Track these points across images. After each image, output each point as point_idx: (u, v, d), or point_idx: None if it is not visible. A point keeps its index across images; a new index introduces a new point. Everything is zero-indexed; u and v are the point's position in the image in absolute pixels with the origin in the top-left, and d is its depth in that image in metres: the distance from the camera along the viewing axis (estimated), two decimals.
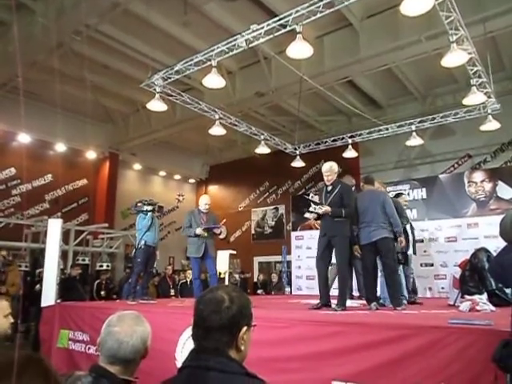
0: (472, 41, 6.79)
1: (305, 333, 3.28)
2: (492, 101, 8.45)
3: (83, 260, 11.94)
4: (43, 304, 5.73)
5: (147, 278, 6.64)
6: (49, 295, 5.72)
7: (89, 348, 4.76)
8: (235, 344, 1.34)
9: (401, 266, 5.48)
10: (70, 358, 4.99)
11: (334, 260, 5.07)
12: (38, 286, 8.25)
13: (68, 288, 7.83)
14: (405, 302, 5.24)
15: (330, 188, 4.95)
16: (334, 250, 4.87)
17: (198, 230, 5.88)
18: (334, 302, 4.91)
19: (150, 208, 6.19)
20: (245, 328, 1.37)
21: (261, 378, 1.30)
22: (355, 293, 6.83)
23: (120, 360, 1.69)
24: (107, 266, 12.05)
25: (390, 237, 4.91)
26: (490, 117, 8.75)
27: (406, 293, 5.54)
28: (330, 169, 4.99)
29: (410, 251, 5.99)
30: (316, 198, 4.97)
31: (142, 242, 6.10)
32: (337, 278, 5.06)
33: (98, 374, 1.66)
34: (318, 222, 5.23)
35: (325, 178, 5.02)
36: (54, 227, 6.10)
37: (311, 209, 4.77)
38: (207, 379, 1.25)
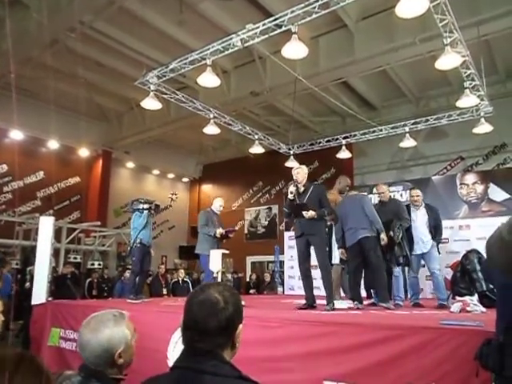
0: (466, 44, 6.84)
1: (297, 333, 3.29)
2: (485, 104, 8.52)
3: (75, 258, 11.88)
4: (34, 302, 5.68)
5: (143, 277, 6.62)
6: (40, 293, 5.68)
7: None
8: (231, 343, 1.33)
9: (397, 268, 5.61)
10: (61, 356, 4.96)
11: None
12: (27, 283, 8.19)
13: (59, 286, 7.79)
14: (400, 303, 5.47)
15: (302, 189, 4.95)
16: (312, 249, 4.89)
17: (219, 231, 5.91)
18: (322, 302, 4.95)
19: (146, 206, 6.21)
20: (240, 326, 1.36)
21: (254, 381, 1.29)
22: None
23: (87, 361, 1.66)
24: (99, 264, 11.99)
25: (372, 236, 5.09)
26: (482, 119, 8.82)
27: (401, 294, 5.68)
28: (300, 168, 5.07)
29: (439, 249, 5.84)
30: (293, 189, 4.94)
31: (138, 241, 6.08)
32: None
33: (87, 373, 1.64)
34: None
35: (294, 177, 5.00)
36: (46, 225, 6.05)
37: (304, 213, 4.74)
38: (199, 382, 1.23)
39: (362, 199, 5.41)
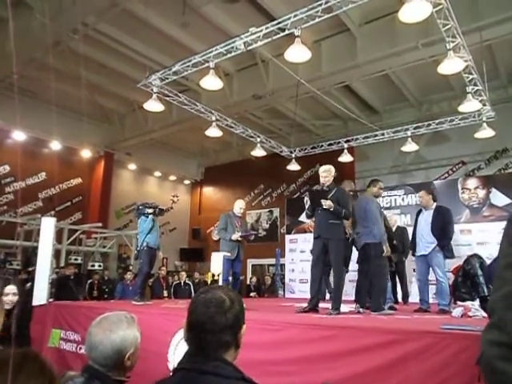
0: (468, 49, 6.85)
1: (297, 336, 3.28)
2: (487, 108, 8.52)
3: (75, 259, 11.88)
4: (35, 303, 5.68)
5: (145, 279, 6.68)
6: (41, 294, 5.68)
7: (80, 348, 4.73)
8: (236, 342, 1.35)
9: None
10: (62, 357, 4.96)
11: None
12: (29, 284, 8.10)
13: (61, 287, 7.78)
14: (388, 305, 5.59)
15: (326, 190, 4.96)
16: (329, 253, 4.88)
17: (235, 236, 5.95)
18: (324, 305, 4.94)
19: (150, 211, 6.33)
20: (244, 326, 1.38)
21: (256, 383, 1.29)
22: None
23: (94, 362, 1.66)
24: (99, 265, 12.00)
25: (372, 242, 5.01)
26: (484, 124, 8.82)
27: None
28: (328, 169, 5.04)
29: (447, 254, 5.59)
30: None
31: (145, 244, 6.20)
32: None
33: (90, 374, 1.64)
34: (312, 224, 5.26)
35: (321, 180, 5.02)
36: (47, 226, 6.05)
37: (323, 201, 4.73)
38: (202, 383, 1.24)
39: (366, 202, 5.27)
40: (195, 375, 1.25)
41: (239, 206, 6.24)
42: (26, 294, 7.12)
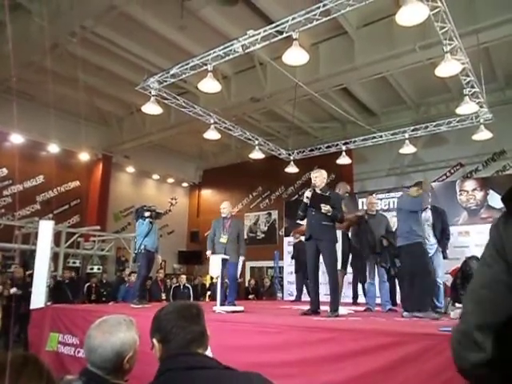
0: (465, 51, 6.87)
1: (296, 338, 3.28)
2: (484, 111, 8.54)
3: (74, 263, 11.84)
4: (32, 306, 5.67)
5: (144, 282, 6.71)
6: (38, 298, 5.66)
7: (78, 351, 4.72)
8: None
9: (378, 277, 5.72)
10: (59, 361, 4.94)
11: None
12: (13, 288, 7.56)
13: (55, 290, 7.74)
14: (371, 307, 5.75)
15: (327, 196, 4.95)
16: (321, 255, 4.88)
17: (208, 253, 5.99)
18: (323, 308, 4.93)
19: (147, 214, 6.34)
20: None
21: (238, 370, 1.37)
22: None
23: (93, 365, 1.66)
24: (98, 268, 11.97)
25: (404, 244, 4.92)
26: (482, 126, 8.83)
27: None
28: (318, 171, 5.07)
29: (446, 254, 5.70)
30: (309, 194, 4.95)
31: (142, 247, 6.22)
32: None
33: (88, 377, 1.64)
34: None
35: (313, 181, 5.02)
36: (45, 229, 6.04)
37: (322, 206, 4.73)
38: (190, 376, 1.31)
39: (398, 201, 5.23)
40: (183, 372, 1.33)
41: (221, 207, 6.23)
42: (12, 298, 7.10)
